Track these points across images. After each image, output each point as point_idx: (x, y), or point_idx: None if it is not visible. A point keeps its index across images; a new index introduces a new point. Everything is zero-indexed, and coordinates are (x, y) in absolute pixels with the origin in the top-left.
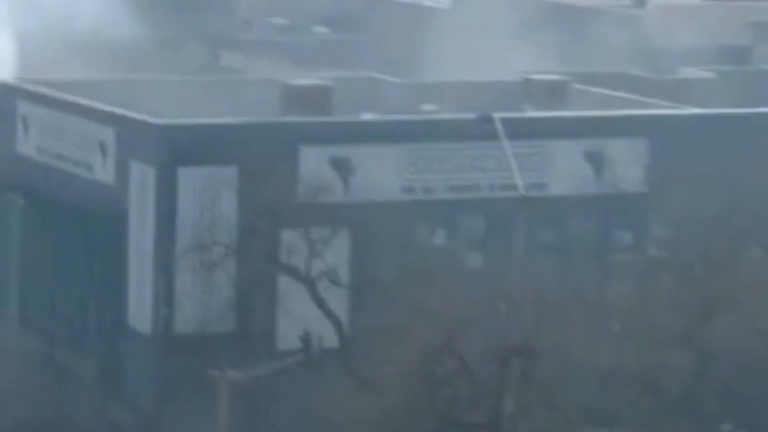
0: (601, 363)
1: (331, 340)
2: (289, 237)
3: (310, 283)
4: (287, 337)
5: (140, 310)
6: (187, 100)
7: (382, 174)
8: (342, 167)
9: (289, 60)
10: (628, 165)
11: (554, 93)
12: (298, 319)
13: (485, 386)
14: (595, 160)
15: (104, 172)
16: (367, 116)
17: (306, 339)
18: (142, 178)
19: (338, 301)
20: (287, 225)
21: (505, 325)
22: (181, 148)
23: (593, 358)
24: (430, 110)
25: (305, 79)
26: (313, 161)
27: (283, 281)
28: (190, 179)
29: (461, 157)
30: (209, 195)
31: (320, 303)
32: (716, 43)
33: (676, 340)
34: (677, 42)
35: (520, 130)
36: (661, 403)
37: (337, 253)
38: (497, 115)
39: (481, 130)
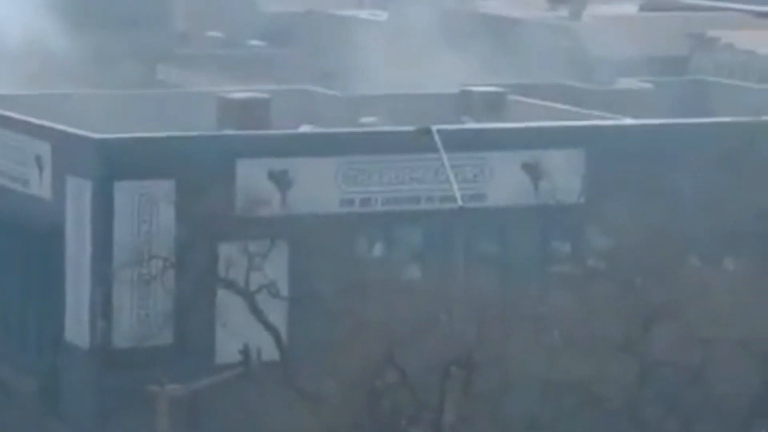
0: (542, 373)
1: (270, 352)
2: (227, 250)
3: (249, 296)
4: (226, 350)
5: (78, 325)
6: (123, 114)
7: (320, 187)
8: (280, 180)
9: (225, 73)
10: (565, 176)
11: (492, 105)
12: (238, 332)
13: (426, 398)
14: (533, 172)
15: (40, 187)
16: (304, 129)
17: (245, 352)
18: (79, 192)
19: (277, 313)
20: (225, 238)
21: (445, 337)
22: (117, 162)
23: (534, 369)
24: (368, 123)
25: (242, 92)
26: (251, 174)
27: (222, 294)
28: (127, 193)
29: (400, 170)
30: (146, 209)
31: (259, 316)
32: (653, 53)
33: (617, 349)
34: (614, 53)
35: (459, 142)
36: (602, 413)
37: (276, 266)
38: (435, 128)
39: (419, 143)
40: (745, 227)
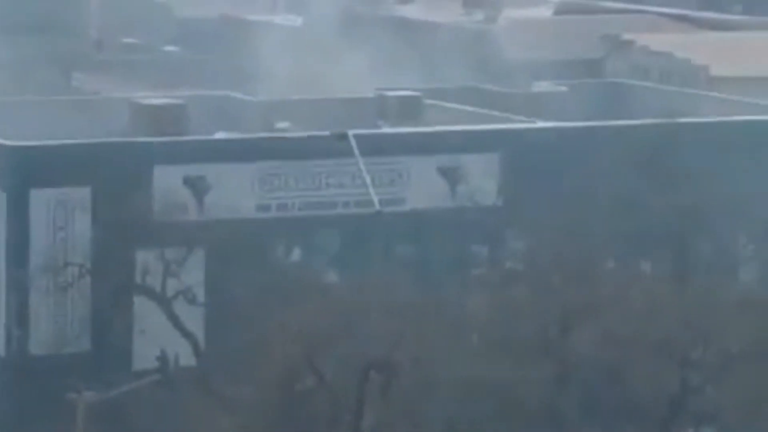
0: (461, 376)
1: (188, 358)
2: (144, 257)
3: (166, 303)
4: (144, 356)
5: None
6: (38, 120)
7: (237, 192)
8: (196, 186)
9: (141, 79)
10: (482, 179)
11: (408, 109)
12: (155, 338)
13: (345, 401)
14: (450, 175)
15: None
16: (221, 135)
17: (162, 358)
18: None
19: (195, 319)
20: (142, 245)
21: (364, 341)
22: (32, 170)
23: (453, 371)
24: (284, 128)
25: (158, 98)
26: (168, 180)
27: (139, 301)
28: (42, 200)
29: (316, 175)
30: (62, 216)
31: (176, 322)
32: (568, 56)
33: (535, 351)
34: (529, 56)
35: (375, 147)
36: (522, 414)
37: (193, 272)
38: (351, 132)
39: (335, 147)
40: (661, 229)
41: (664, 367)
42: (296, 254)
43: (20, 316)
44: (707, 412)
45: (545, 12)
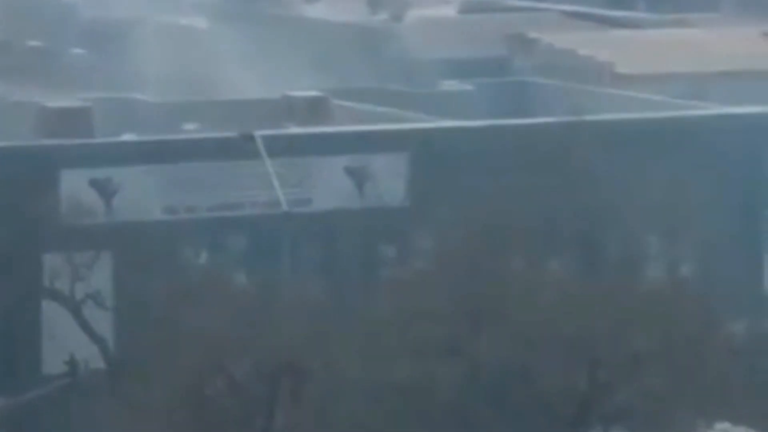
0: (371, 377)
1: (97, 362)
2: (52, 260)
3: (74, 307)
4: (53, 361)
5: None
6: None
7: (144, 194)
8: (103, 189)
9: (46, 82)
10: (390, 179)
11: (315, 109)
12: (64, 342)
13: (256, 405)
14: (358, 175)
15: None
16: (127, 137)
17: (72, 363)
18: None
19: (104, 323)
20: (50, 248)
21: (274, 343)
22: None
23: (364, 373)
24: (191, 129)
25: (64, 101)
26: (74, 184)
27: (47, 305)
28: None
29: (224, 176)
30: None
31: (85, 326)
32: (474, 55)
33: (445, 351)
34: (435, 55)
35: (282, 148)
36: (432, 414)
37: (102, 276)
38: (258, 133)
39: (242, 149)
40: (570, 227)
41: (573, 366)
42: (204, 256)
43: None
44: (616, 410)
45: (450, 11)
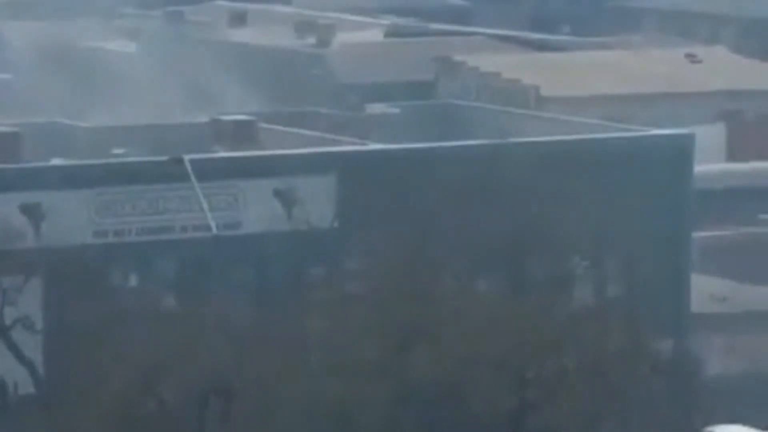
0: (301, 397)
1: (27, 386)
2: None
3: (3, 331)
4: None
5: None
6: None
7: (73, 219)
8: (33, 213)
9: None
10: (318, 202)
11: (243, 133)
12: None
13: (185, 426)
14: (286, 198)
15: None
16: (56, 161)
17: (1, 386)
18: None
19: (33, 347)
20: None
21: (203, 365)
22: None
23: (293, 393)
24: (120, 153)
25: None
26: (3, 208)
27: None
28: None
29: (153, 200)
30: None
31: (15, 350)
32: (400, 79)
33: (374, 371)
34: (362, 79)
35: (211, 171)
36: None
37: (31, 299)
38: (187, 157)
39: (171, 172)
40: (497, 247)
41: (502, 384)
42: (134, 279)
43: None
44: (545, 428)
45: (377, 35)
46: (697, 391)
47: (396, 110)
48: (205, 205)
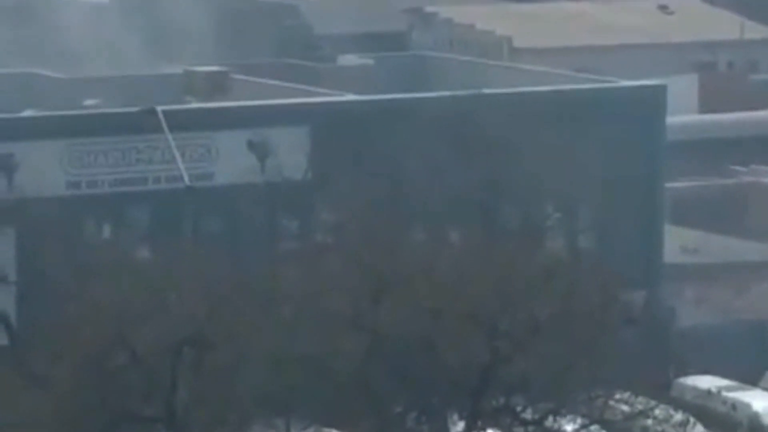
0: (274, 349)
1: (0, 338)
2: None
3: None
4: None
5: None
6: None
7: (46, 170)
8: (5, 164)
9: None
10: (291, 153)
11: (216, 84)
12: None
13: (158, 378)
14: (259, 149)
15: None
16: (28, 112)
17: None
18: None
19: (6, 298)
20: None
21: (176, 316)
22: None
23: (266, 345)
24: (92, 105)
25: None
26: None
27: None
28: None
29: (126, 151)
30: None
31: None
32: (373, 30)
33: (346, 323)
34: (335, 30)
35: (184, 122)
36: (334, 385)
37: (4, 250)
38: (160, 108)
39: (144, 123)
40: (469, 199)
41: (474, 336)
42: (107, 231)
43: None
44: (516, 380)
45: None
46: (669, 342)
47: (369, 61)
48: (178, 157)
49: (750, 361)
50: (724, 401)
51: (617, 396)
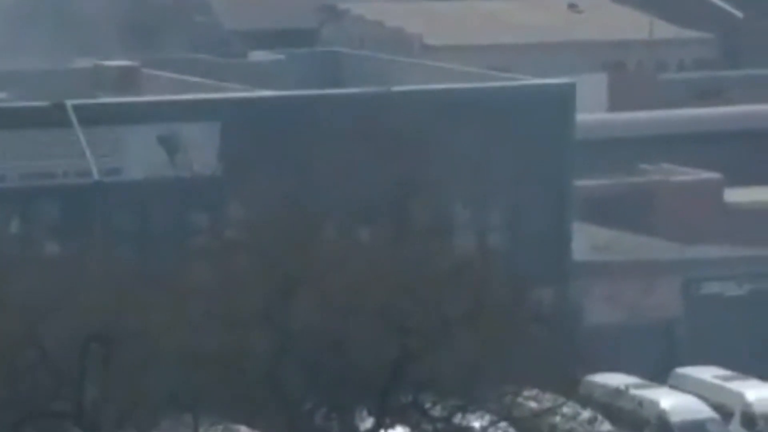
0: (183, 347)
1: None
2: None
3: None
4: None
5: None
6: None
7: None
8: None
9: None
10: (201, 148)
11: (125, 79)
12: None
13: (67, 375)
14: (169, 144)
15: None
16: None
17: None
18: None
19: None
20: None
21: (84, 313)
22: None
23: (175, 342)
24: (0, 98)
25: None
26: None
27: None
28: None
29: (34, 145)
30: None
31: None
32: (284, 26)
33: (256, 320)
34: (245, 26)
35: (93, 117)
36: (244, 384)
37: None
38: (69, 102)
39: (53, 118)
40: (380, 196)
41: (384, 334)
42: (15, 225)
43: None
44: (426, 377)
45: None
46: (578, 340)
47: (281, 57)
48: (87, 151)
49: (657, 359)
50: (632, 399)
51: (525, 393)
